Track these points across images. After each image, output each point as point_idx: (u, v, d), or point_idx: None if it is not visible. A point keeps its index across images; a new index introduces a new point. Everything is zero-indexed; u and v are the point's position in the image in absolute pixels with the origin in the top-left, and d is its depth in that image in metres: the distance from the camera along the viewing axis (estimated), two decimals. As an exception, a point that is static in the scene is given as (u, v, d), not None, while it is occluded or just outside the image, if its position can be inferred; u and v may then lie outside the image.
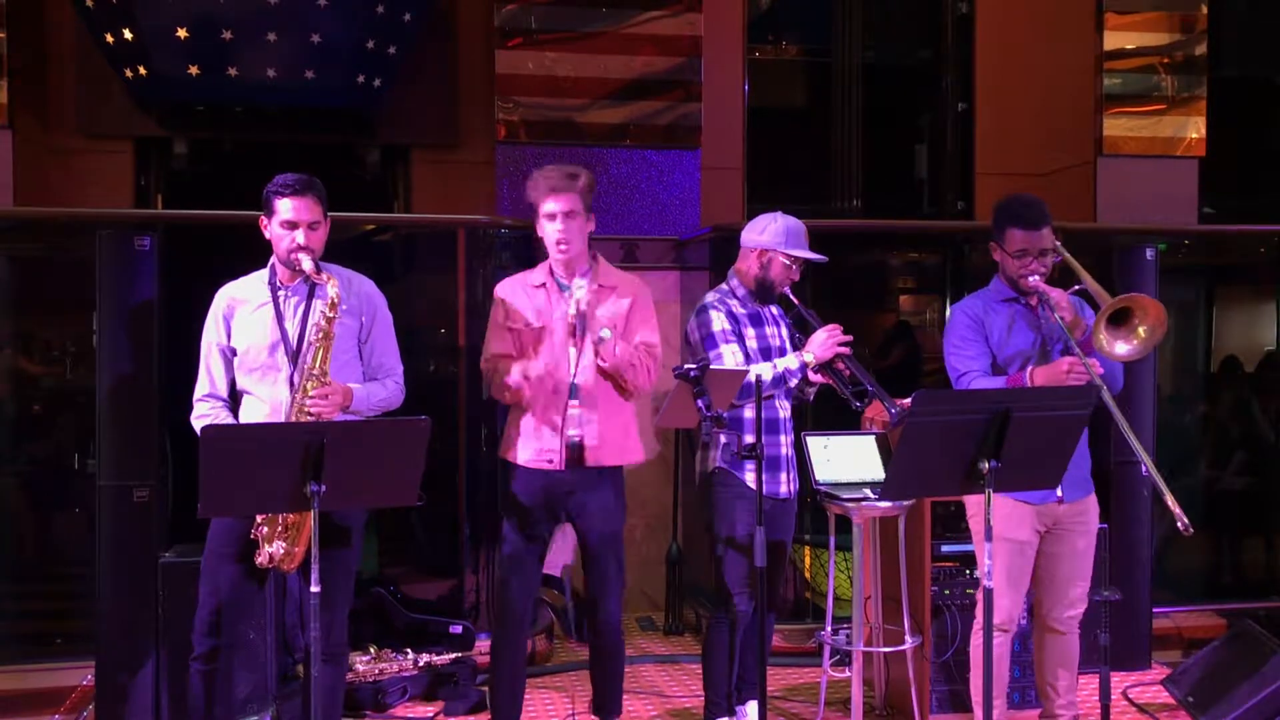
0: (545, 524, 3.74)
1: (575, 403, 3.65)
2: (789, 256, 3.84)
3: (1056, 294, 3.51)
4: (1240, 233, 6.25)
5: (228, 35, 5.37)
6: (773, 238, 3.85)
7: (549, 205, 3.65)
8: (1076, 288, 3.57)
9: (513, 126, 5.96)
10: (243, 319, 3.44)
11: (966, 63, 6.90)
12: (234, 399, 3.49)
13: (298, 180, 3.38)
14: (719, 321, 3.81)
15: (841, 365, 3.76)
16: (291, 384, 3.35)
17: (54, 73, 5.83)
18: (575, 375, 3.65)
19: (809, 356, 3.74)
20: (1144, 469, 3.33)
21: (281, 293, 3.44)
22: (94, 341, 4.30)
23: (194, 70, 5.44)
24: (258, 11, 5.38)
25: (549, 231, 3.67)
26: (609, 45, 6.02)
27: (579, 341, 3.66)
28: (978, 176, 6.83)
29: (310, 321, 3.37)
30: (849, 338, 3.76)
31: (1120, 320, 3.40)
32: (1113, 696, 3.98)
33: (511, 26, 5.95)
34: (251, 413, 3.43)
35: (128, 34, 5.41)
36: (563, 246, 3.65)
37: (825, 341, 3.74)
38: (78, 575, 4.72)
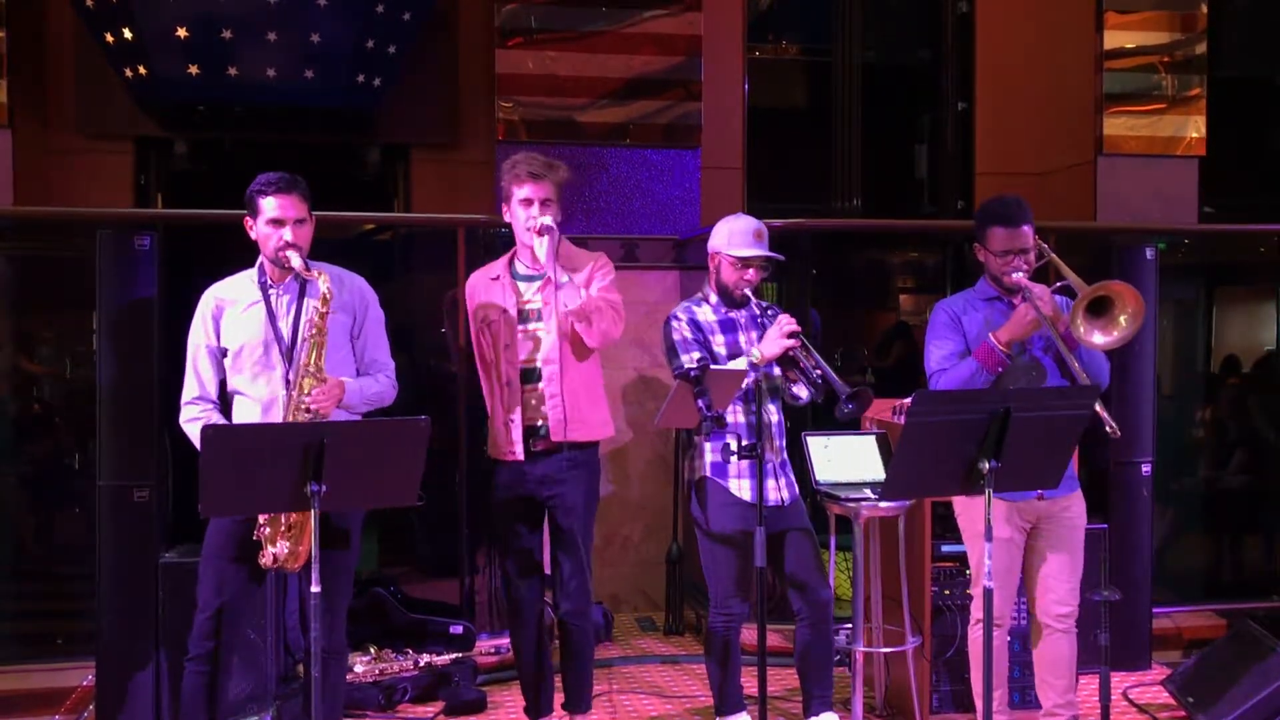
0: (537, 512, 3.80)
1: (537, 387, 3.72)
2: (734, 257, 3.78)
3: (1039, 289, 3.52)
4: (1240, 232, 6.25)
5: (228, 35, 5.37)
6: (717, 239, 3.82)
7: (526, 190, 3.66)
8: (1059, 284, 3.58)
9: (513, 126, 5.96)
10: (233, 319, 3.43)
11: (966, 63, 6.89)
12: (223, 401, 3.48)
13: (281, 178, 3.37)
14: (679, 331, 3.79)
15: (801, 359, 3.63)
16: (287, 382, 3.34)
17: (54, 73, 5.84)
18: (537, 360, 3.71)
19: (755, 354, 3.65)
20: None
21: (273, 291, 3.43)
22: (94, 341, 4.31)
23: (194, 70, 5.44)
24: (258, 11, 5.38)
25: (523, 219, 3.67)
26: (609, 45, 6.02)
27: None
28: (978, 176, 6.82)
29: (303, 319, 3.37)
30: (798, 328, 3.65)
31: (1101, 311, 3.40)
32: (1113, 696, 3.98)
33: (511, 26, 5.95)
34: (243, 413, 3.42)
35: (128, 34, 5.41)
36: (542, 235, 3.61)
37: (770, 335, 3.66)
38: (78, 575, 4.72)
